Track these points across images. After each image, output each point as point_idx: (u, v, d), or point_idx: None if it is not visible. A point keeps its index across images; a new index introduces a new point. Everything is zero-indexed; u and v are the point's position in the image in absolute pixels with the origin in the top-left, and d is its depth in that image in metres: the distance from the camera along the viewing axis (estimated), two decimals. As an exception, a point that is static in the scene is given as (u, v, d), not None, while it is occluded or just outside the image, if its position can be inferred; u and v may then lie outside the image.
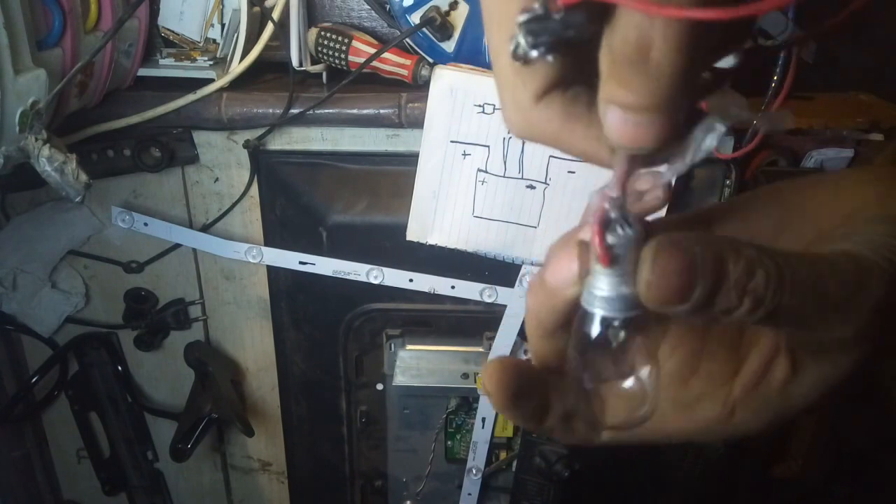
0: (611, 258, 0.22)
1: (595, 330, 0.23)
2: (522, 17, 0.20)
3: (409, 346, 0.76)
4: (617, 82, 0.20)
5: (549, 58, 0.21)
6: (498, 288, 0.70)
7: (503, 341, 0.72)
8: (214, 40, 0.71)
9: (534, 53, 0.20)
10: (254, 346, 0.81)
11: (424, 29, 0.65)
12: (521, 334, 0.72)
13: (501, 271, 0.70)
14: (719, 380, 0.27)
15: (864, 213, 0.26)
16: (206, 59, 0.69)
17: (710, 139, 0.23)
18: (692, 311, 0.21)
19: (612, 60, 0.20)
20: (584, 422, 0.28)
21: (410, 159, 0.68)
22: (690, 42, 0.19)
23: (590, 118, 0.23)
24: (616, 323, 0.23)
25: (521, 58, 0.21)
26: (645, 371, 0.24)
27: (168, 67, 0.69)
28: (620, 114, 0.21)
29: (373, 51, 0.66)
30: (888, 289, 0.23)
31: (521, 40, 0.20)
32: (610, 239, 0.22)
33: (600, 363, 0.24)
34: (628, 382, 0.24)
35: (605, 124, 0.21)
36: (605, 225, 0.23)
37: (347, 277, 0.71)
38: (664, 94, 0.20)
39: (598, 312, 0.23)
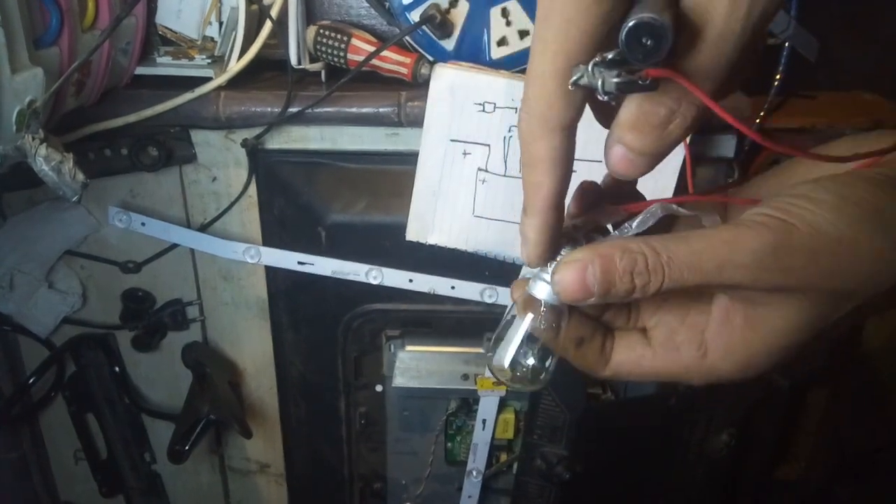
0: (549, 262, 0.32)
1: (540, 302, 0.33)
2: (596, 58, 0.25)
3: (408, 347, 0.76)
4: (635, 132, 0.28)
5: (613, 102, 0.27)
6: (498, 288, 0.70)
7: (503, 342, 0.71)
8: (212, 38, 0.71)
9: (604, 97, 0.26)
10: (252, 346, 0.81)
11: (424, 26, 0.65)
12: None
13: (501, 271, 0.69)
14: (698, 329, 0.34)
15: (815, 175, 0.32)
16: (203, 57, 0.68)
17: (652, 219, 0.33)
18: (599, 301, 0.30)
19: (638, 116, 0.27)
20: (593, 352, 0.34)
21: (410, 158, 0.67)
22: (696, 125, 0.28)
23: (568, 163, 0.30)
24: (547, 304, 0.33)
25: (577, 86, 0.26)
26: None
27: (165, 66, 0.68)
28: (624, 151, 0.28)
29: (372, 49, 0.66)
30: (769, 242, 0.28)
31: (593, 77, 0.25)
32: (563, 250, 0.32)
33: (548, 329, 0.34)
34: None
35: (609, 153, 0.29)
36: (561, 239, 0.32)
37: (346, 278, 0.71)
38: (662, 150, 0.28)
39: (539, 296, 0.33)
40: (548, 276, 0.32)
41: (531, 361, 0.33)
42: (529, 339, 0.33)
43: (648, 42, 0.24)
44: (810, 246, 0.28)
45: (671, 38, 0.24)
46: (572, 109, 0.28)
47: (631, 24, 0.24)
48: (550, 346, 0.33)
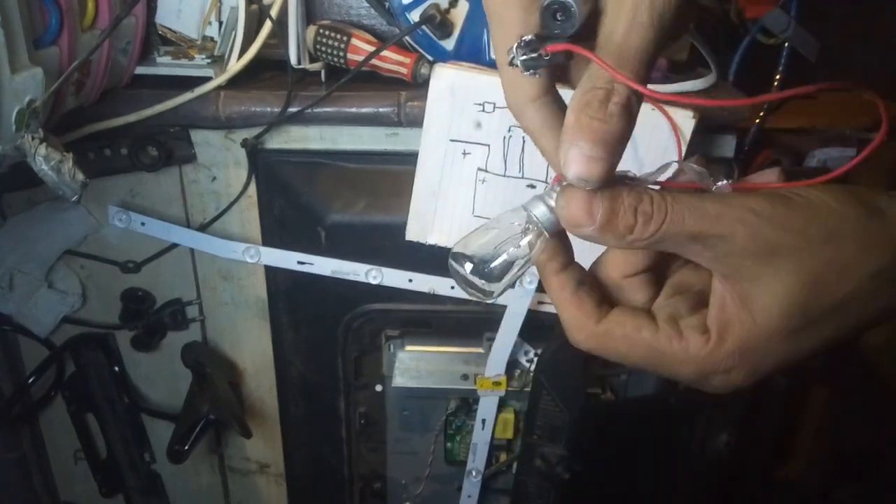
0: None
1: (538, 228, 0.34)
2: (516, 42, 0.30)
3: (408, 347, 0.75)
4: (582, 132, 0.28)
5: (536, 75, 0.31)
6: (498, 288, 0.70)
7: (503, 342, 0.71)
8: (212, 38, 0.71)
9: (525, 74, 0.30)
10: (252, 346, 0.80)
11: (424, 27, 0.65)
12: (522, 335, 0.71)
13: (501, 271, 0.69)
14: (701, 315, 0.34)
15: None
16: (203, 57, 0.68)
17: (670, 171, 0.34)
18: (595, 234, 0.30)
19: (581, 97, 0.29)
20: (590, 300, 0.34)
21: (410, 158, 0.67)
22: (633, 105, 0.29)
23: (558, 123, 0.31)
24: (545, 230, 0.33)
25: (515, 66, 0.30)
26: None
27: (165, 66, 0.68)
28: (578, 150, 0.29)
29: (372, 49, 0.66)
30: (767, 203, 0.30)
31: (516, 59, 0.30)
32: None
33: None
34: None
35: (566, 158, 0.29)
36: None
37: (346, 278, 0.71)
38: (611, 134, 0.28)
39: (534, 212, 0.33)
40: (551, 200, 0.32)
41: (494, 265, 0.34)
42: (503, 245, 0.34)
43: (560, 17, 0.29)
44: (806, 211, 0.31)
45: (578, 13, 0.29)
46: (530, 84, 0.32)
47: (546, 2, 0.29)
48: (534, 265, 0.34)
